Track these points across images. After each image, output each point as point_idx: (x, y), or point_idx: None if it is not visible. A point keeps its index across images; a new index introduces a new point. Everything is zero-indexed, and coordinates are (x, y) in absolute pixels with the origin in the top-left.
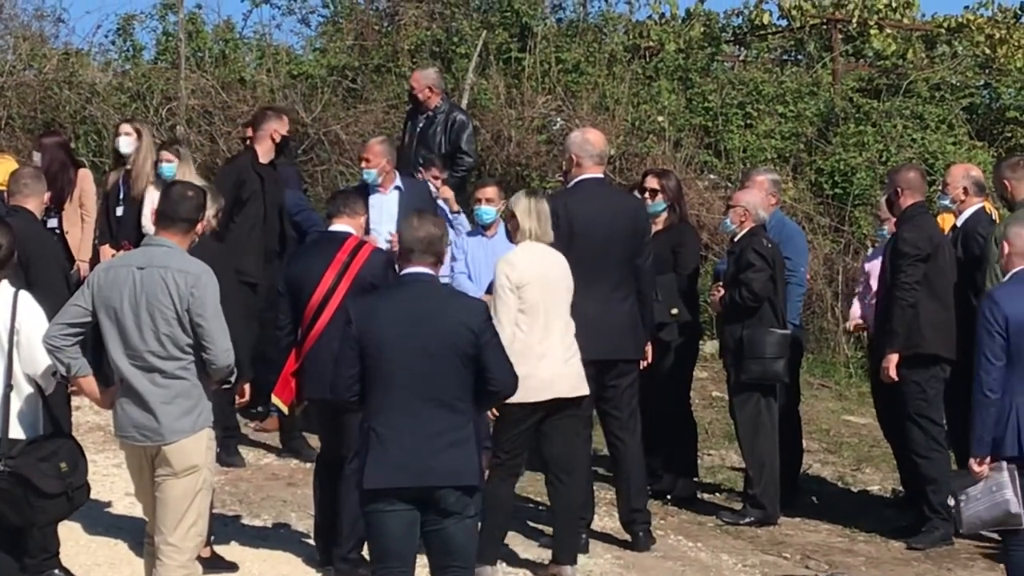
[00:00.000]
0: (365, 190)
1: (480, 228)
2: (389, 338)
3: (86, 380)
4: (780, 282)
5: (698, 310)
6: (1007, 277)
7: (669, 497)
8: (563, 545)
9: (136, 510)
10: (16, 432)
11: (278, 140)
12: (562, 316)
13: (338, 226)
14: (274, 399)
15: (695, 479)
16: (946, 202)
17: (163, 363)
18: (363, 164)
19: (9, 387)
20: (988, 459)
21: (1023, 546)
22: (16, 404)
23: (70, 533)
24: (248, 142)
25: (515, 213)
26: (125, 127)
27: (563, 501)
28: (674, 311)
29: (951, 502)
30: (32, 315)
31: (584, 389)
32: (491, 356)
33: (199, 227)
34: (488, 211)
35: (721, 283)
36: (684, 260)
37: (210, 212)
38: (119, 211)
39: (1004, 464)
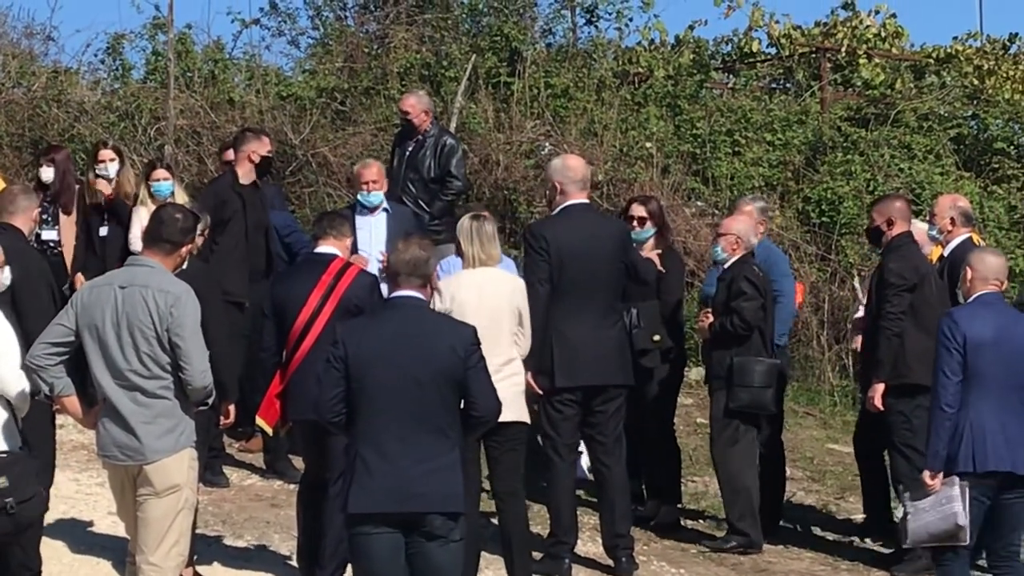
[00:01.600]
0: (351, 212)
1: None
2: (375, 361)
3: (69, 400)
4: (769, 311)
5: (683, 337)
6: (968, 301)
7: (652, 524)
8: (515, 569)
9: (119, 529)
10: None
11: (257, 161)
12: (501, 341)
13: (324, 248)
14: (258, 421)
15: (679, 505)
16: (933, 232)
17: (145, 382)
18: (368, 187)
19: None
20: (941, 474)
21: (953, 563)
22: None
23: (53, 552)
24: (229, 164)
25: (458, 238)
26: (107, 153)
27: (509, 524)
28: (656, 338)
29: (899, 515)
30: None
31: (520, 416)
32: (475, 381)
33: (185, 250)
34: None
35: (709, 309)
36: (668, 287)
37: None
38: (103, 231)
39: (956, 479)
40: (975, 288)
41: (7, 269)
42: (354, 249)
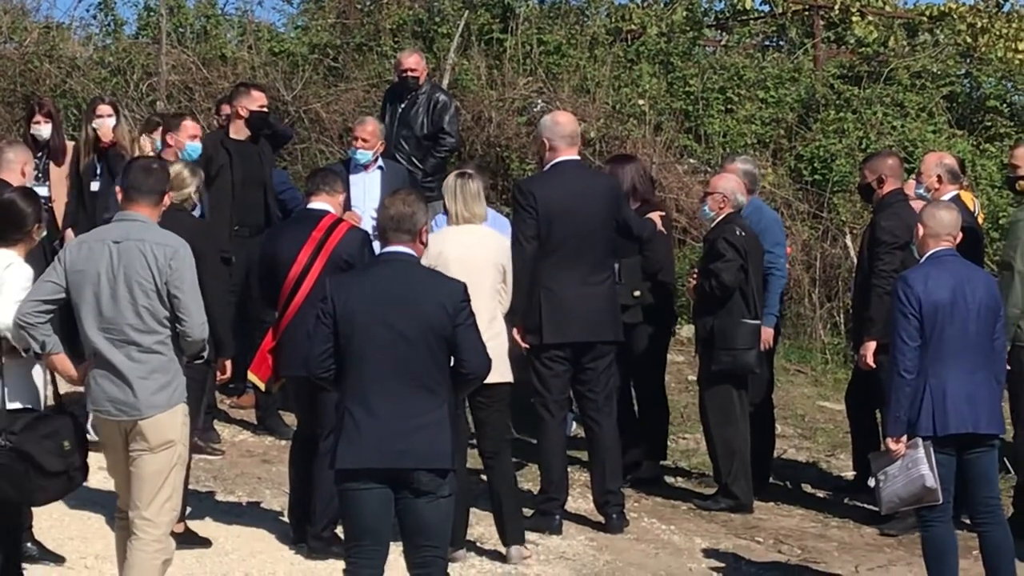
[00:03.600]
0: (345, 168)
1: None
2: (363, 317)
3: (59, 357)
4: (754, 271)
5: (671, 293)
6: (922, 259)
7: (630, 478)
8: (506, 527)
9: (109, 484)
10: (13, 402)
11: (246, 115)
12: (483, 296)
13: (316, 204)
14: (251, 376)
15: (662, 462)
16: (921, 191)
17: (141, 336)
18: (357, 144)
19: (1, 357)
20: (904, 438)
21: (938, 521)
22: (11, 374)
23: (43, 507)
24: (226, 119)
25: (444, 195)
26: (105, 108)
27: (497, 483)
28: (636, 293)
29: (871, 483)
30: (6, 288)
31: (504, 376)
32: (464, 338)
33: (166, 199)
34: None
35: (696, 271)
36: (651, 242)
37: (191, 188)
38: (94, 186)
39: (920, 441)
40: (927, 245)
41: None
42: (347, 206)
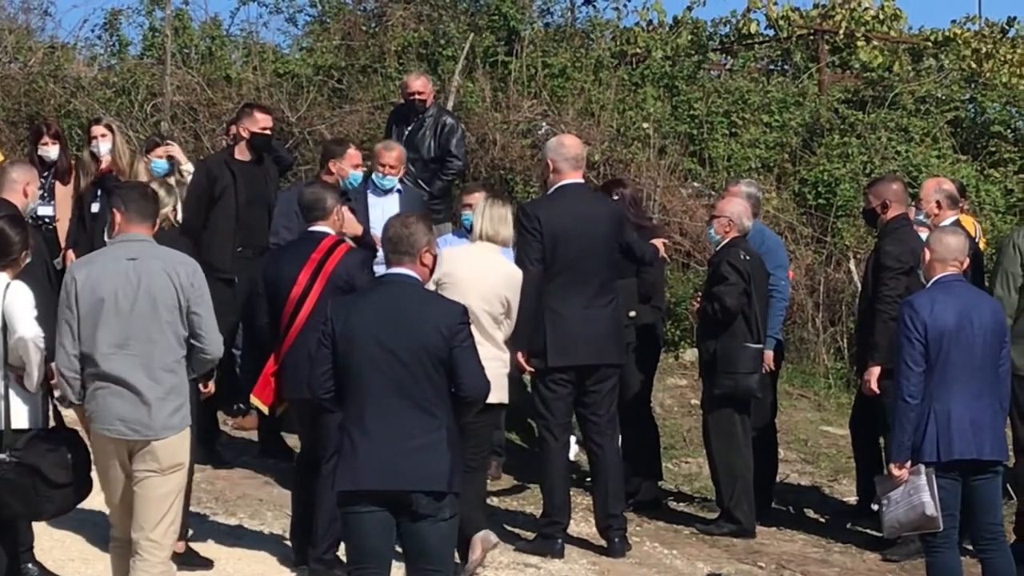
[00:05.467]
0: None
1: (465, 231)
2: (361, 338)
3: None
4: (757, 295)
5: (659, 315)
6: (928, 284)
7: (632, 502)
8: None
9: None
10: (19, 422)
11: (247, 137)
12: (485, 319)
13: (316, 227)
14: (254, 400)
15: (661, 484)
16: (920, 217)
17: (163, 354)
18: (384, 170)
19: (7, 377)
20: (908, 464)
21: (942, 548)
22: (16, 394)
23: (43, 528)
24: (233, 140)
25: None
26: (98, 129)
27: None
28: (632, 314)
29: (875, 507)
30: (17, 307)
31: (500, 398)
32: (461, 360)
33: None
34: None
35: (700, 294)
36: (651, 266)
37: (167, 208)
38: (94, 207)
39: (922, 468)
40: (934, 270)
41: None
42: (367, 228)
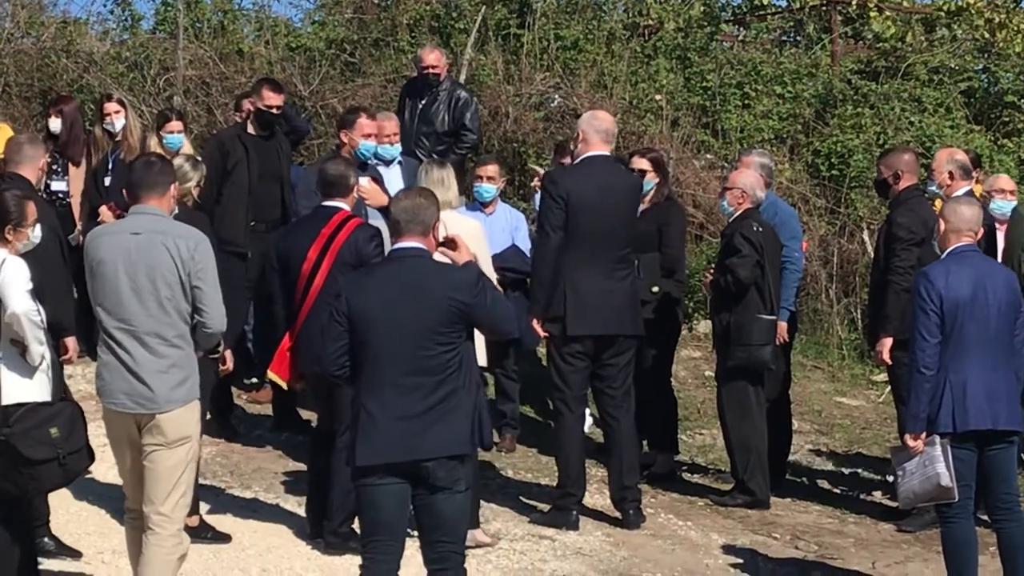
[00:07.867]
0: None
1: (479, 205)
2: (375, 313)
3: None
4: (770, 267)
5: (682, 289)
6: (943, 255)
7: (646, 473)
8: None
9: None
10: (15, 397)
11: (253, 111)
12: None
13: (332, 202)
14: (271, 375)
15: (676, 457)
16: (933, 187)
17: (163, 329)
18: (388, 140)
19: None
20: (923, 435)
21: (959, 518)
22: (10, 368)
23: (60, 502)
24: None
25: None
26: (111, 106)
27: None
28: (655, 289)
29: (890, 478)
30: (11, 282)
31: (481, 361)
32: (485, 315)
33: (173, 190)
34: (488, 189)
35: (713, 266)
36: (669, 239)
37: (191, 183)
38: (107, 181)
39: (937, 439)
40: (949, 241)
41: (38, 227)
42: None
